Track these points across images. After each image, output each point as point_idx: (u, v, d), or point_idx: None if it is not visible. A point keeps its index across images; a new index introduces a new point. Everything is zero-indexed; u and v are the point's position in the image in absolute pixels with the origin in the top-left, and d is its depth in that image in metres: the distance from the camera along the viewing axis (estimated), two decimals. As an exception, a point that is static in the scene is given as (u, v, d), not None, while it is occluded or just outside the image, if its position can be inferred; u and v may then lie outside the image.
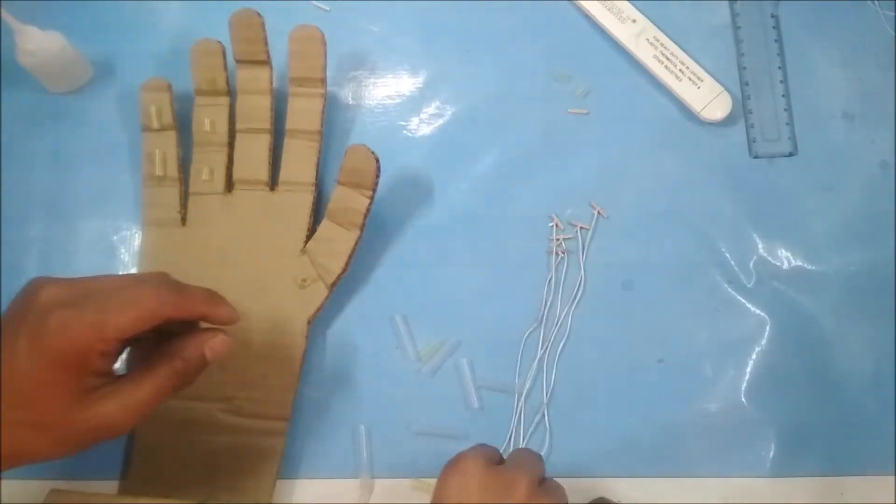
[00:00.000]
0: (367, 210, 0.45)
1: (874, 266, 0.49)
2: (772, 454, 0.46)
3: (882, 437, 0.46)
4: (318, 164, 0.48)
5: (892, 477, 0.46)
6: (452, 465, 0.35)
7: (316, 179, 0.48)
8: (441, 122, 0.52)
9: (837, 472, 0.46)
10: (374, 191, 0.45)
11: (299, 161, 0.48)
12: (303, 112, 0.49)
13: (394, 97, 0.53)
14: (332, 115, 0.52)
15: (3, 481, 0.45)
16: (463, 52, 0.54)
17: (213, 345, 0.35)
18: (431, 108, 0.53)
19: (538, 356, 0.47)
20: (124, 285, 0.34)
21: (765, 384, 0.47)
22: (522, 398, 0.47)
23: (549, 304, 0.48)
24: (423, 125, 0.52)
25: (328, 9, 0.54)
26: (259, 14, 0.47)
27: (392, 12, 0.54)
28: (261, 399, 0.45)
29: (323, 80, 0.49)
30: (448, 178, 0.51)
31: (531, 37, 0.54)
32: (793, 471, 0.46)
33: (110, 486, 0.45)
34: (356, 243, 0.46)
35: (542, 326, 0.48)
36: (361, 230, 0.46)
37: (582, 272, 0.49)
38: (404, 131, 0.52)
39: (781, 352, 0.48)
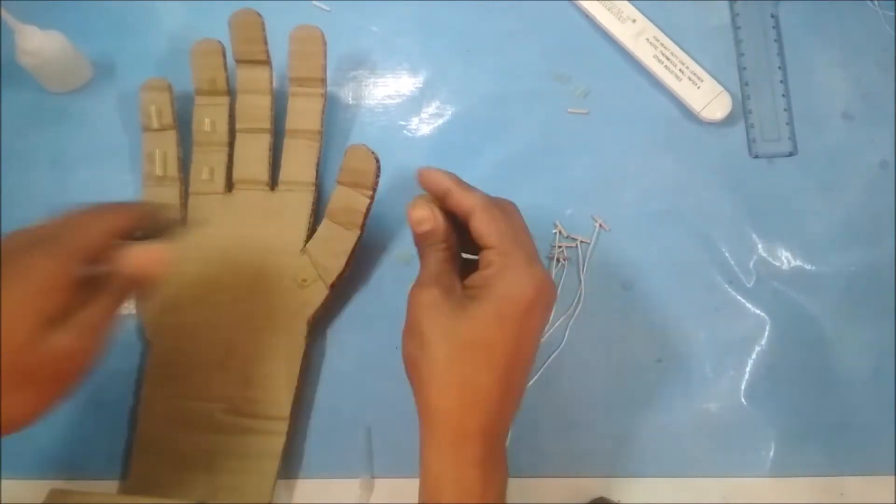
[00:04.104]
0: (367, 210, 0.45)
1: (874, 266, 0.49)
2: (772, 454, 0.46)
3: (882, 437, 0.46)
4: (318, 164, 0.48)
5: (892, 477, 0.46)
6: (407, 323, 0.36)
7: (316, 179, 0.48)
8: (441, 122, 0.52)
9: (837, 472, 0.46)
10: (374, 191, 0.45)
11: (299, 161, 0.48)
12: (303, 112, 0.49)
13: (394, 97, 0.53)
14: (332, 115, 0.52)
15: (3, 481, 0.45)
16: (463, 52, 0.54)
17: (140, 259, 0.37)
18: (431, 108, 0.53)
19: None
20: (71, 224, 0.36)
21: (765, 384, 0.47)
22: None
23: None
24: (423, 125, 0.52)
25: (328, 9, 0.54)
26: (259, 14, 0.47)
27: (392, 12, 0.54)
28: (261, 399, 0.45)
29: (323, 80, 0.49)
30: (448, 178, 0.51)
31: (531, 37, 0.54)
32: (793, 471, 0.46)
33: (110, 486, 0.45)
34: (356, 243, 0.46)
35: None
36: (361, 230, 0.46)
37: (582, 286, 0.49)
38: (404, 131, 0.52)
39: (781, 352, 0.48)
